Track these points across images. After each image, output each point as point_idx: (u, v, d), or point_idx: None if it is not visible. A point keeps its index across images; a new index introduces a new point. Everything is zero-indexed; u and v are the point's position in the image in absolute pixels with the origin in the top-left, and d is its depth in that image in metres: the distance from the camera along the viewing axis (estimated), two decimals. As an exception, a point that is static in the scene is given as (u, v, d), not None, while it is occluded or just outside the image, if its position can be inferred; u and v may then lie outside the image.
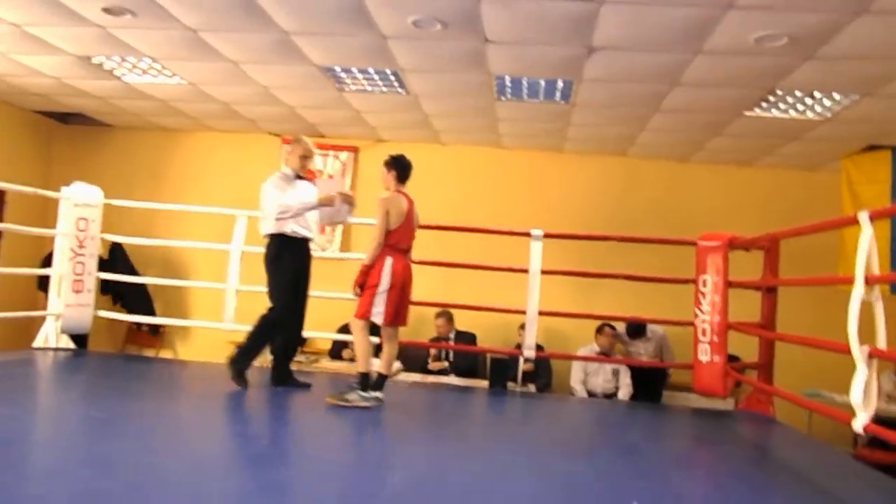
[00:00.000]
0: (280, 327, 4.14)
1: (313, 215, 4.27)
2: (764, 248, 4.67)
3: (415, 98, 5.98)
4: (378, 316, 3.81)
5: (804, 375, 5.95)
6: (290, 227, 4.11)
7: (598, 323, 6.07)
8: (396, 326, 3.94)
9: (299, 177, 4.24)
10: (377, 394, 3.79)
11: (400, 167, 4.01)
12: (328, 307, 5.62)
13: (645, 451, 3.55)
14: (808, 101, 5.21)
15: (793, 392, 4.35)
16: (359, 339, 3.88)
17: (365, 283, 3.85)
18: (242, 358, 4.05)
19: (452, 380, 5.64)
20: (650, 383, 6.21)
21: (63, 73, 6.03)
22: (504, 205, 7.23)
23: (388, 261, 3.84)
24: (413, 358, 6.07)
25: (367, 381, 3.80)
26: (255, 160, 7.65)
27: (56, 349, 4.99)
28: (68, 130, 7.96)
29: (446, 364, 6.10)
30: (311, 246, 4.32)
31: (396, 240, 3.89)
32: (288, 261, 4.12)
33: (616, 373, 6.11)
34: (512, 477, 2.77)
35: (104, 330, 6.71)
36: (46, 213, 6.43)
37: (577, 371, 6.07)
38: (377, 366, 3.87)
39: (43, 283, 6.47)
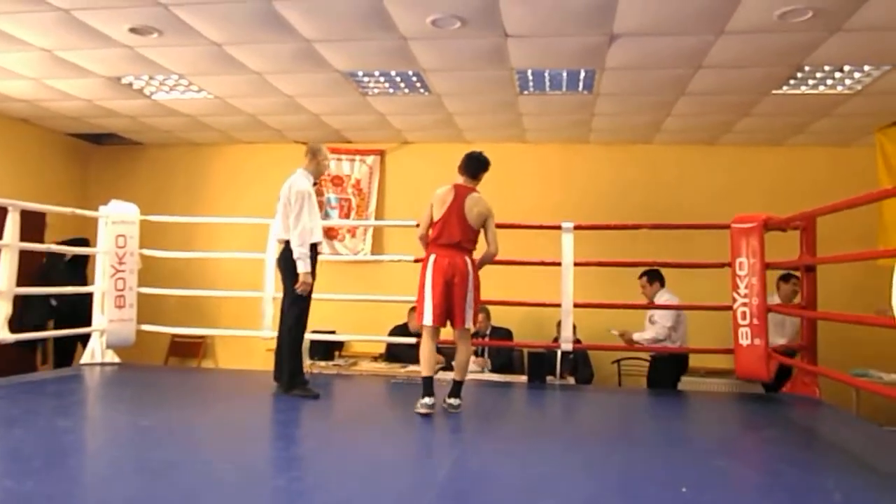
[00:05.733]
0: (301, 334, 4.20)
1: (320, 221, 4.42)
2: (800, 228, 4.59)
3: (437, 98, 6.00)
4: (428, 318, 3.66)
5: (847, 357, 5.83)
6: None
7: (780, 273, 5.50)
8: (460, 329, 3.71)
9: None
10: (431, 399, 3.59)
11: (463, 162, 4.03)
12: (362, 310, 5.70)
13: (693, 438, 3.52)
14: (838, 75, 5.11)
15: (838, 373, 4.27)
16: (421, 345, 3.72)
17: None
18: (293, 380, 4.12)
19: (491, 376, 5.63)
20: None
21: (94, 94, 6.19)
22: (532, 200, 7.19)
23: (431, 258, 3.77)
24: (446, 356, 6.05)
25: (429, 387, 3.60)
26: (284, 169, 7.70)
27: (102, 364, 5.12)
28: (103, 151, 8.16)
29: (488, 362, 5.86)
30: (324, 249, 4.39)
31: (437, 233, 3.81)
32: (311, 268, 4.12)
33: None
34: (563, 469, 2.77)
35: (148, 343, 6.84)
36: (85, 233, 6.58)
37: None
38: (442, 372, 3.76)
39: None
